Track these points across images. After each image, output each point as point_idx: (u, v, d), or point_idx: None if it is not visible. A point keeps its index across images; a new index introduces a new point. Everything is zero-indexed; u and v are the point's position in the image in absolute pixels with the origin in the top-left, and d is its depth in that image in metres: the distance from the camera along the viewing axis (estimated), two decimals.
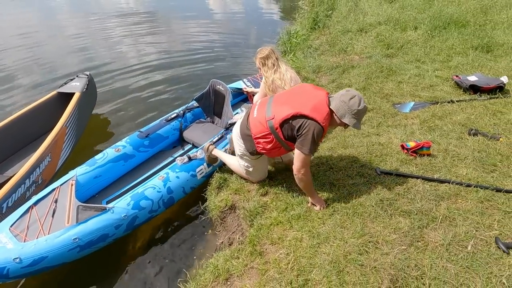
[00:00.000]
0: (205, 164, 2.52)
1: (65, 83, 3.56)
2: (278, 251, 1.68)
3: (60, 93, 3.47)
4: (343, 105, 1.68)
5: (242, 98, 3.74)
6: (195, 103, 3.24)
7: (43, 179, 2.62)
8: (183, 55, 6.05)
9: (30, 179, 2.45)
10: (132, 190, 2.23)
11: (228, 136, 2.70)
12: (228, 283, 1.63)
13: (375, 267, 1.47)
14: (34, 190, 2.47)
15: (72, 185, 2.16)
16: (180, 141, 3.12)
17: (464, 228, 1.63)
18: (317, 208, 1.88)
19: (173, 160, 2.75)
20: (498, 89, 3.13)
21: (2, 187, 2.27)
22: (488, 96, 3.06)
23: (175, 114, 3.10)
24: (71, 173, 2.30)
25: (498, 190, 1.85)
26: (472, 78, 3.25)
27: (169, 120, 3.03)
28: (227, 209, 2.25)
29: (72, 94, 3.37)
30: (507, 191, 1.83)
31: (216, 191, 2.44)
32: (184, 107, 3.23)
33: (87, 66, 5.43)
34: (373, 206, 1.81)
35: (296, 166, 1.75)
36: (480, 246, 1.53)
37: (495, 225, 1.64)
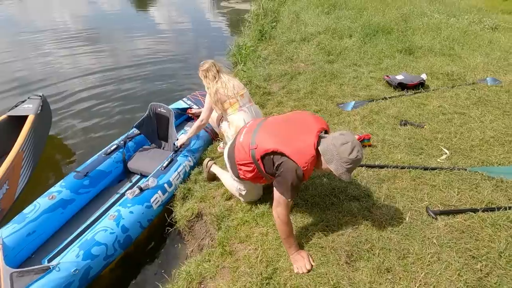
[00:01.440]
0: (159, 191, 2.39)
1: (16, 106, 3.26)
2: (247, 248, 1.78)
3: (11, 117, 3.17)
4: (332, 149, 1.42)
5: (185, 117, 3.67)
6: (135, 131, 3.04)
7: (1, 208, 2.41)
8: (131, 73, 5.90)
9: None
10: (79, 239, 1.99)
11: (178, 158, 2.69)
12: (202, 286, 1.68)
13: (333, 247, 1.65)
14: None
15: None
16: (126, 174, 2.90)
17: (402, 203, 1.91)
18: (296, 267, 1.56)
19: (123, 195, 2.60)
20: (420, 85, 3.67)
21: None
22: (413, 92, 3.57)
23: (115, 146, 2.84)
24: None
25: (425, 169, 2.19)
26: (400, 77, 3.76)
27: (109, 153, 2.77)
28: (194, 218, 2.29)
29: (25, 117, 3.09)
30: (432, 169, 2.19)
31: (181, 201, 2.47)
32: (124, 136, 2.99)
33: (28, 89, 5.04)
34: (327, 196, 2.02)
35: (274, 206, 1.58)
36: (415, 216, 1.82)
37: (425, 197, 1.95)
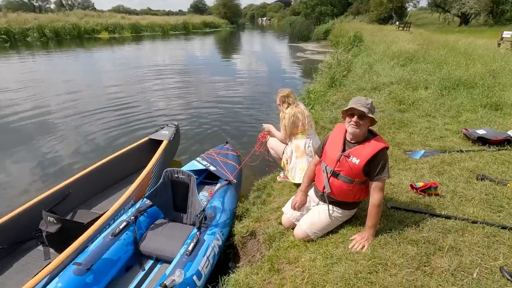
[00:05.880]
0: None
1: (156, 131, 3.99)
2: (294, 269, 1.84)
3: (151, 139, 3.87)
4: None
5: (199, 181, 3.37)
6: (147, 201, 2.58)
7: None
8: (208, 112, 6.79)
9: (115, 220, 2.55)
10: None
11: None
12: None
13: (383, 285, 1.60)
14: None
15: None
16: (137, 258, 2.34)
17: (470, 257, 1.74)
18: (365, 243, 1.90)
19: None
20: (506, 142, 3.32)
21: (89, 223, 2.49)
22: (497, 148, 3.25)
23: (124, 223, 2.33)
24: None
25: (504, 228, 1.96)
26: (481, 132, 3.48)
27: (118, 234, 2.26)
28: (248, 235, 2.45)
29: (160, 142, 3.72)
30: None
31: (239, 219, 2.67)
32: (133, 209, 2.53)
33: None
34: (383, 234, 1.97)
35: (380, 197, 1.87)
36: (485, 274, 1.63)
37: (500, 257, 1.74)
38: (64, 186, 2.94)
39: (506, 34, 10.56)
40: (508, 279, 1.58)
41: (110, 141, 5.20)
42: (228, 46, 24.46)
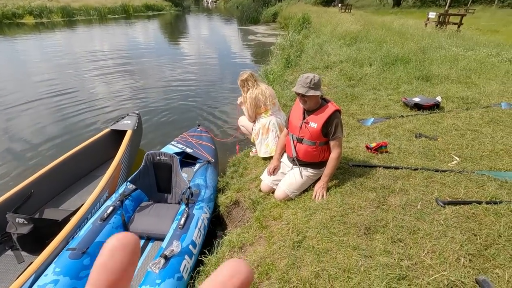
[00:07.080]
0: (186, 256, 2.05)
1: (117, 121, 3.81)
2: (280, 223, 2.13)
3: (113, 130, 3.71)
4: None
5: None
6: (131, 185, 2.68)
7: None
8: (160, 102, 6.53)
9: (91, 214, 2.52)
10: None
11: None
12: (242, 250, 2.03)
13: (353, 223, 1.97)
14: None
15: None
16: None
17: (414, 195, 2.21)
18: (323, 191, 2.30)
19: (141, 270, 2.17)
20: (436, 106, 4.00)
21: (64, 219, 2.41)
22: (429, 112, 3.90)
23: (110, 208, 2.44)
24: None
25: (437, 171, 2.49)
26: (416, 99, 4.12)
27: (106, 218, 2.35)
28: (232, 204, 2.68)
29: (123, 132, 3.58)
30: (443, 171, 2.48)
31: (221, 192, 2.87)
32: (118, 195, 2.62)
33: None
34: (348, 186, 2.36)
35: (338, 152, 2.29)
36: (426, 205, 2.11)
37: (435, 192, 2.23)
38: (25, 186, 2.74)
39: (431, 15, 11.94)
40: (441, 206, 2.07)
41: (52, 140, 4.85)
42: (176, 30, 23.42)
